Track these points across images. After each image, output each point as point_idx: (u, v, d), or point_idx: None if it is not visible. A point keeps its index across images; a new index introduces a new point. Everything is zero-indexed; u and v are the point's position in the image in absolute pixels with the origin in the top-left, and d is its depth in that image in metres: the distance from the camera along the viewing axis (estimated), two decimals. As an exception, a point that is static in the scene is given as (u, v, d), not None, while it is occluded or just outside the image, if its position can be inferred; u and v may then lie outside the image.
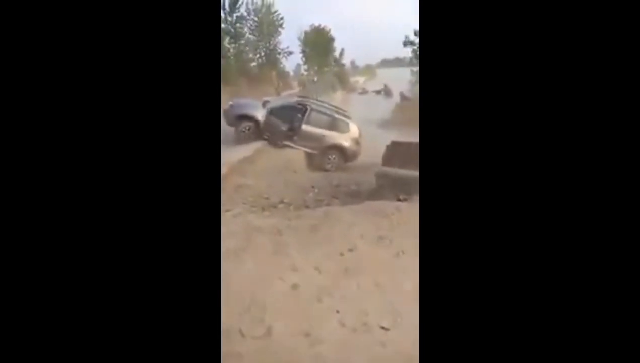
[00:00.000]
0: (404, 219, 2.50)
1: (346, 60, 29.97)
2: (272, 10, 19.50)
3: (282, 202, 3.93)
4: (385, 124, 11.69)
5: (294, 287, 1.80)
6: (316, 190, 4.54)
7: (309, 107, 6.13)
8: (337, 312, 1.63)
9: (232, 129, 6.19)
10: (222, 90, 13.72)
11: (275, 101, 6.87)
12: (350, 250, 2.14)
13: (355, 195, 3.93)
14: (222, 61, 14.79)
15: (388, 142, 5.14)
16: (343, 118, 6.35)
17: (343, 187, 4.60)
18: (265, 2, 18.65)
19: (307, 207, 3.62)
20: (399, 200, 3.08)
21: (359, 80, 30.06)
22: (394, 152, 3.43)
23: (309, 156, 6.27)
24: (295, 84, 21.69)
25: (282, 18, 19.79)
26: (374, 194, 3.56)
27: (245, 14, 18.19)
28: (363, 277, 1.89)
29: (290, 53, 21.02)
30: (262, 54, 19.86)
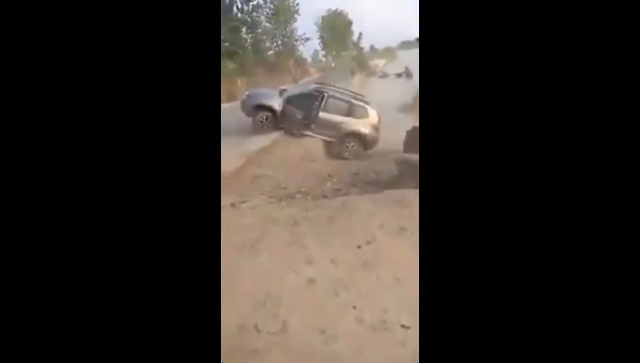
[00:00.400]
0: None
1: (365, 44, 29.07)
2: (288, -4, 19.10)
3: (299, 191, 3.88)
4: (406, 108, 11.27)
5: (310, 280, 1.75)
6: (334, 179, 4.46)
7: (325, 94, 5.97)
8: (355, 307, 1.56)
9: (250, 120, 6.19)
10: (241, 80, 13.84)
11: (292, 89, 6.76)
12: (369, 242, 2.05)
13: (374, 184, 3.80)
14: (239, 51, 14.80)
15: (409, 128, 4.92)
16: (361, 103, 6.14)
17: (362, 176, 4.48)
18: (280, -11, 18.27)
19: (325, 196, 3.55)
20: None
21: (379, 63, 29.09)
22: (415, 137, 3.24)
23: (328, 144, 6.17)
24: (313, 70, 21.37)
25: (297, 4, 19.38)
26: (394, 182, 3.42)
27: (261, 2, 17.96)
28: (382, 270, 1.80)
29: (307, 39, 20.60)
30: (279, 42, 19.62)
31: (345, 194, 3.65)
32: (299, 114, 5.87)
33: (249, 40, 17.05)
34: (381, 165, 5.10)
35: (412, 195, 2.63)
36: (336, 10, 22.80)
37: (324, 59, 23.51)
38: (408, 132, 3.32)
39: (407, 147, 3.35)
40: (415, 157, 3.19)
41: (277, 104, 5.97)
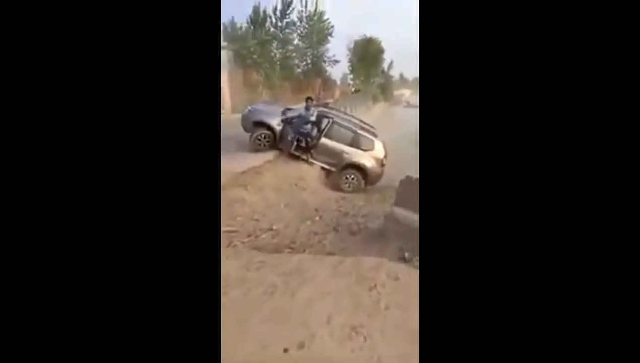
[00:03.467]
0: (397, 299, 1.73)
1: (395, 72, 29.00)
2: (324, 18, 19.40)
3: (270, 229, 3.33)
4: (423, 143, 10.62)
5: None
6: (317, 217, 3.88)
7: (330, 120, 5.50)
8: None
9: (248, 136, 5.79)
10: (264, 93, 13.88)
11: (297, 110, 6.35)
12: (301, 345, 1.43)
13: (356, 234, 3.18)
14: (267, 65, 14.98)
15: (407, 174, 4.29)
16: (368, 135, 5.61)
17: (349, 218, 3.87)
18: (317, 10, 18.60)
19: (293, 242, 2.96)
20: (403, 259, 2.29)
21: (405, 93, 28.81)
22: (408, 189, 2.65)
23: (327, 173, 5.64)
24: (337, 92, 21.29)
25: (332, 26, 19.61)
26: (377, 239, 2.79)
27: (296, 20, 18.26)
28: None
29: (337, 61, 20.71)
30: (309, 61, 19.80)
31: (320, 242, 3.05)
32: (289, 135, 5.39)
33: (278, 55, 17.27)
34: (377, 206, 4.48)
35: (387, 271, 2.01)
36: (370, 37, 22.93)
37: (351, 83, 23.46)
38: (401, 182, 2.74)
39: (399, 199, 2.75)
40: (404, 215, 2.59)
41: (277, 122, 5.54)
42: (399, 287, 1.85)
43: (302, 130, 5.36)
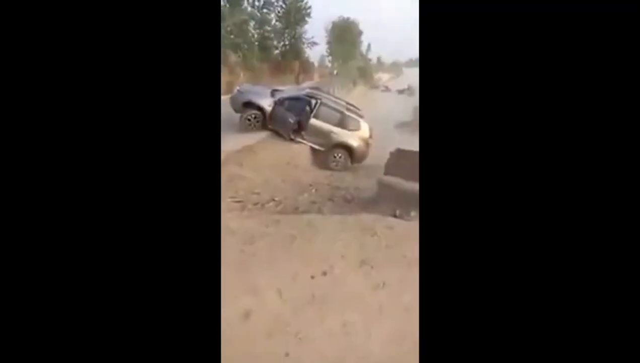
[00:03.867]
0: (394, 241, 2.16)
1: (373, 56, 29.23)
2: (301, -2, 19.01)
3: (272, 200, 3.65)
4: (403, 126, 11.17)
5: (246, 314, 1.52)
6: (313, 190, 4.24)
7: (318, 101, 5.78)
8: (287, 355, 1.33)
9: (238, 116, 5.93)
10: (244, 74, 13.59)
11: (286, 91, 6.54)
12: (325, 273, 1.83)
13: (352, 202, 3.60)
14: (245, 45, 14.65)
15: (399, 146, 4.74)
16: (354, 115, 5.96)
17: (342, 191, 4.27)
18: (294, -11, 18.15)
19: (296, 209, 3.32)
20: (395, 216, 2.73)
21: (383, 77, 29.24)
22: (398, 160, 3.06)
23: (315, 152, 5.96)
24: (317, 75, 21.26)
25: (310, 7, 19.30)
26: (371, 203, 3.22)
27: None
28: (330, 310, 1.58)
29: (315, 43, 20.52)
30: (287, 42, 19.48)
31: (320, 209, 3.43)
32: (290, 118, 5.65)
33: (256, 36, 16.86)
34: (364, 181, 4.91)
35: (384, 223, 2.43)
36: (348, 18, 22.81)
37: (329, 65, 23.44)
38: (391, 154, 3.14)
39: (388, 169, 3.16)
40: (397, 181, 3.01)
41: (267, 103, 5.73)
42: (393, 233, 2.29)
43: (304, 114, 5.57)
